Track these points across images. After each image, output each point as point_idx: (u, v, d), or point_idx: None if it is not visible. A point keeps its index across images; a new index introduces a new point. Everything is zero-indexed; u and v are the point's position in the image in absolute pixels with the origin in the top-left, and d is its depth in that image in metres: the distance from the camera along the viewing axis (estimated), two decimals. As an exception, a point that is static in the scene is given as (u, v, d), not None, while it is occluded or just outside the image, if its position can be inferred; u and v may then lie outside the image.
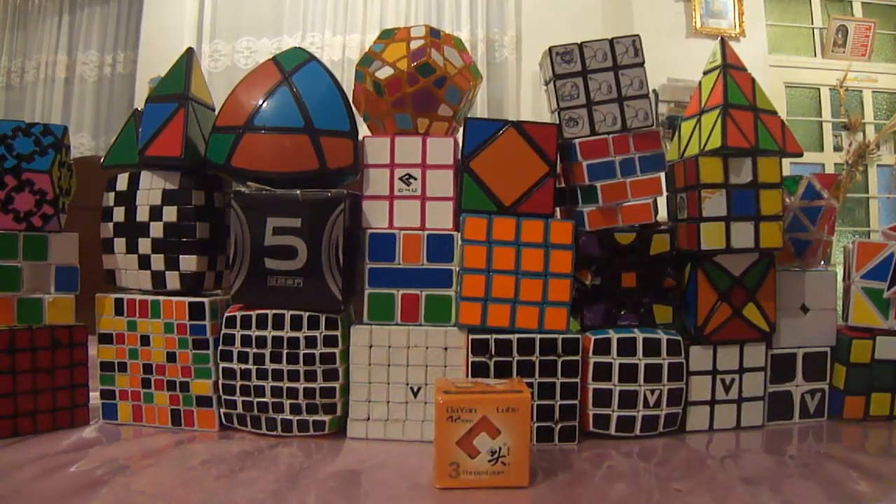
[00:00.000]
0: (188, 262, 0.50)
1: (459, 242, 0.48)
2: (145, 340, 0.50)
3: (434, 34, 0.52)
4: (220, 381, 0.49)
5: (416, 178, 0.49)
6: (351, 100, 0.52)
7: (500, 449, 0.37)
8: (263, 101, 0.49)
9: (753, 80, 0.49)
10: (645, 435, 0.47)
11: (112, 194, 0.52)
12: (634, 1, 2.53)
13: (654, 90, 2.10)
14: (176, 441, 0.47)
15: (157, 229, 0.50)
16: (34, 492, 0.38)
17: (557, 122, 0.48)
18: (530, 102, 2.49)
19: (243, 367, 0.48)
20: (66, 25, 2.77)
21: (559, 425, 0.46)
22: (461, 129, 0.50)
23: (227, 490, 0.38)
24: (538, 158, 0.48)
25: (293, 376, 0.47)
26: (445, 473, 0.37)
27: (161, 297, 0.50)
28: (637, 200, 0.48)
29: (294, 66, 0.51)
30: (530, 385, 0.46)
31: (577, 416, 0.47)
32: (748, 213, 0.47)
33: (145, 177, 0.51)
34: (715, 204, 0.47)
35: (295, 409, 0.48)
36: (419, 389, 0.48)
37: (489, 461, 0.37)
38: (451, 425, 0.37)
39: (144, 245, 0.50)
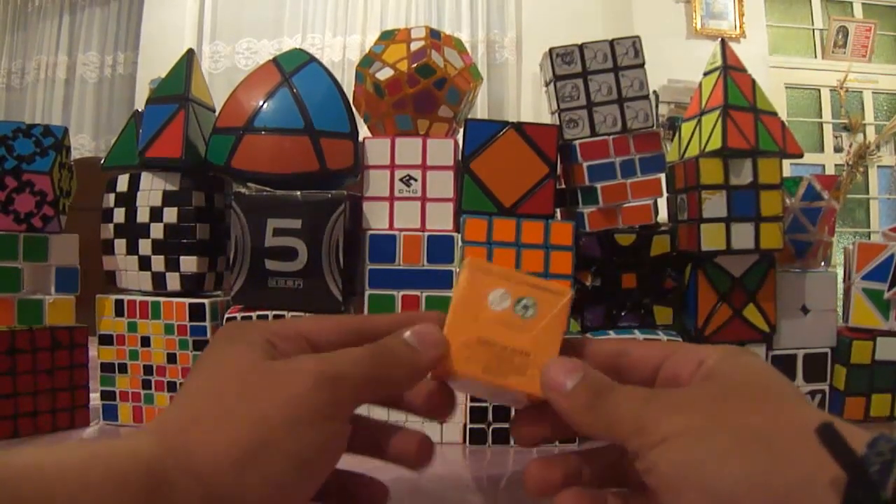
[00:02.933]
0: (188, 264, 0.50)
1: (460, 243, 0.48)
2: (146, 341, 0.50)
3: (434, 35, 0.52)
4: (221, 383, 0.49)
5: (416, 180, 0.49)
6: (351, 101, 0.52)
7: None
8: (263, 103, 0.49)
9: (754, 82, 0.49)
10: (645, 436, 0.47)
11: (112, 195, 0.52)
12: (634, 2, 2.54)
13: (654, 91, 2.10)
14: (176, 442, 0.47)
15: (157, 230, 0.50)
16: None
17: (558, 123, 0.48)
18: (530, 103, 2.49)
19: (243, 368, 0.48)
20: (66, 26, 2.78)
21: (559, 426, 0.46)
22: (461, 131, 0.50)
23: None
24: (538, 159, 0.48)
25: (293, 377, 0.47)
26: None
27: (161, 299, 0.50)
28: (637, 201, 0.48)
29: (294, 67, 0.51)
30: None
31: (578, 417, 0.46)
32: (748, 214, 0.47)
33: (145, 178, 0.51)
34: (715, 205, 0.47)
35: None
36: (419, 390, 0.48)
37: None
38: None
39: (145, 246, 0.50)
